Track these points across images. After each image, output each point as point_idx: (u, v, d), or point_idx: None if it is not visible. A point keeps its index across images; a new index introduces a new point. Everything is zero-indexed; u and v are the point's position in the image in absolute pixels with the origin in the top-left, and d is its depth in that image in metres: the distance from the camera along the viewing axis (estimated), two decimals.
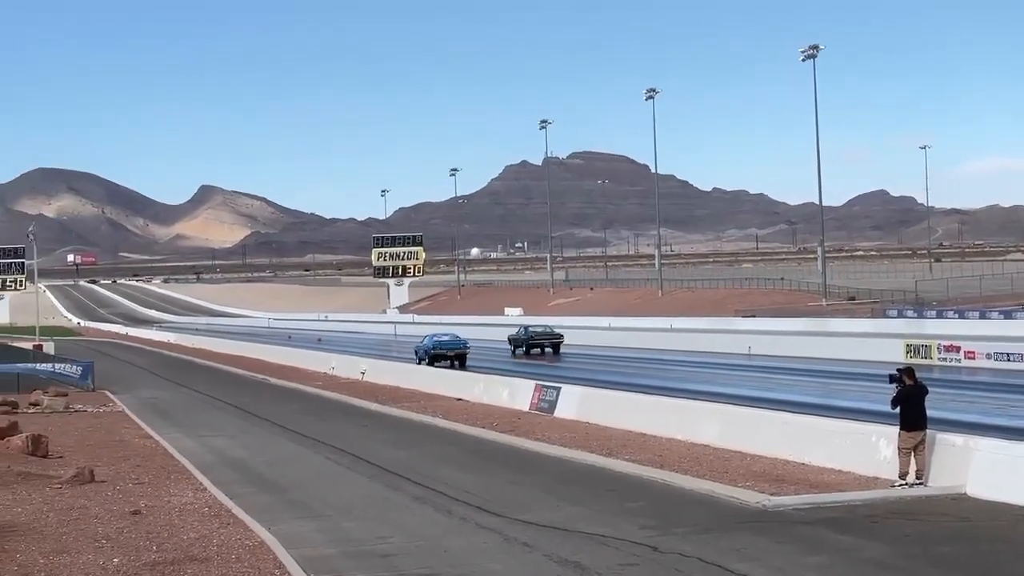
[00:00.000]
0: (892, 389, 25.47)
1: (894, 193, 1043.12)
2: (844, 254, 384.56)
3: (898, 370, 25.90)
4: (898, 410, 25.20)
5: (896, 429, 25.31)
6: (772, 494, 24.41)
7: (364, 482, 29.26)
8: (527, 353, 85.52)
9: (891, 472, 25.34)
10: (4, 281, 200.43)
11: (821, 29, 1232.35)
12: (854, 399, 45.10)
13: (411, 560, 19.84)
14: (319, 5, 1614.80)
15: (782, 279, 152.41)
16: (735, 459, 29.57)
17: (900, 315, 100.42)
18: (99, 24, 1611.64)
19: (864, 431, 28.02)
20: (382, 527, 22.74)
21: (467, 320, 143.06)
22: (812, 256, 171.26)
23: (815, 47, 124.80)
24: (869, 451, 26.81)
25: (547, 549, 20.19)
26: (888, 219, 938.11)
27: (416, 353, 77.77)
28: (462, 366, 71.98)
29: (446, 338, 78.24)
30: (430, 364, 71.86)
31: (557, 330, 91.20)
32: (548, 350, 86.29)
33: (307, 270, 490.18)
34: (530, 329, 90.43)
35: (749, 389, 51.24)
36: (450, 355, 74.21)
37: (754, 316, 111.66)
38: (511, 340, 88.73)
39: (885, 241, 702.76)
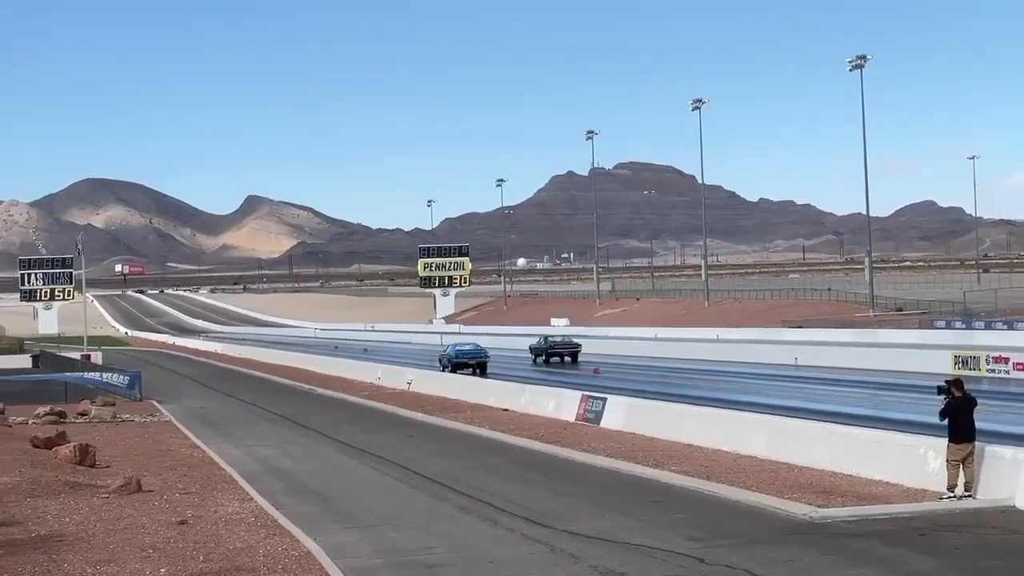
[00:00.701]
0: (940, 401, 25.30)
1: (942, 204, 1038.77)
2: (892, 265, 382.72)
3: (946, 381, 25.73)
4: (946, 422, 25.03)
5: (944, 441, 25.13)
6: (819, 506, 24.27)
7: (410, 492, 29.25)
8: (547, 362, 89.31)
9: (939, 484, 25.17)
10: (53, 291, 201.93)
11: (869, 38, 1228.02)
12: (902, 411, 44.85)
13: (456, 571, 19.82)
14: (368, 16, 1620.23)
15: (829, 290, 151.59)
16: (782, 471, 29.42)
17: (948, 326, 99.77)
18: (147, 35, 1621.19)
19: (912, 443, 27.84)
20: (428, 537, 22.73)
21: (512, 331, 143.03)
22: (859, 267, 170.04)
23: (863, 57, 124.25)
24: (917, 463, 26.63)
25: (593, 560, 20.13)
26: (936, 230, 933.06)
27: (440, 361, 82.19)
28: (483, 373, 75.70)
29: (468, 347, 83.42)
30: (453, 371, 75.82)
31: (575, 339, 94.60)
32: (567, 359, 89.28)
33: (360, 280, 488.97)
34: (550, 339, 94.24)
35: (796, 400, 51.03)
36: (471, 363, 78.49)
37: (801, 327, 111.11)
38: (532, 349, 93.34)
39: (933, 252, 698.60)
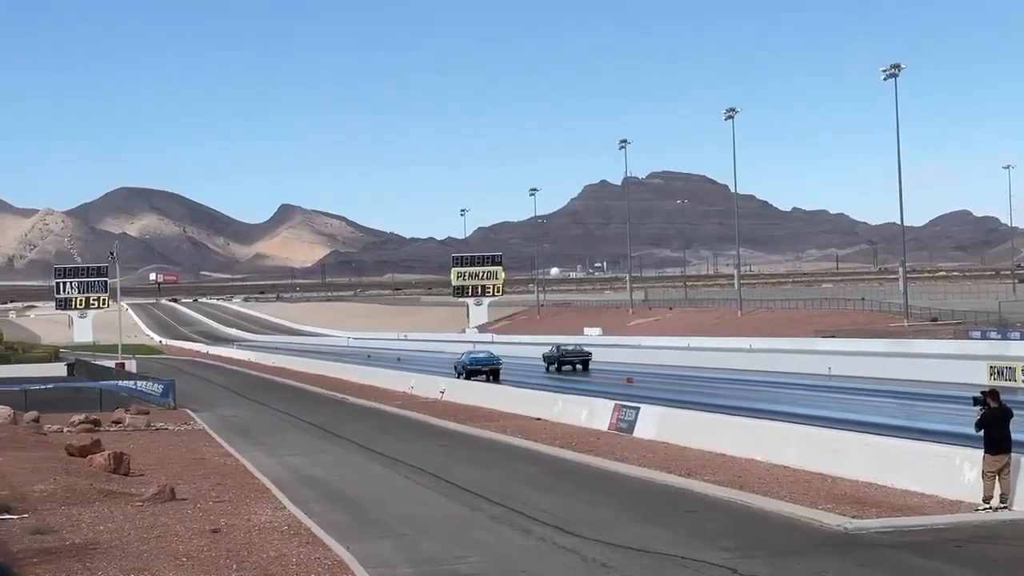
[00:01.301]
0: (976, 412, 25.19)
1: (977, 213, 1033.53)
2: (926, 275, 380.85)
3: (982, 392, 25.61)
4: (982, 433, 24.91)
5: (980, 452, 25.01)
6: (854, 517, 24.18)
7: (442, 501, 29.26)
8: (559, 369, 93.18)
9: (975, 495, 25.04)
10: (88, 299, 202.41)
11: (902, 46, 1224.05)
12: (937, 421, 44.69)
13: None
14: (401, 25, 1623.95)
15: (862, 299, 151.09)
16: (816, 481, 29.31)
17: (983, 336, 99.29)
18: (181, 44, 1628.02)
19: (947, 454, 27.73)
20: (460, 547, 22.72)
21: (545, 340, 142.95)
22: (893, 276, 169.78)
23: (897, 66, 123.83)
24: (952, 474, 26.50)
25: (625, 570, 20.11)
26: (971, 239, 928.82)
27: (455, 368, 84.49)
28: (495, 379, 78.91)
29: (481, 355, 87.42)
30: (467, 378, 78.48)
31: (586, 348, 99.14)
32: (579, 367, 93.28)
33: (397, 289, 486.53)
34: (562, 347, 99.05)
35: (829, 410, 50.85)
36: (484, 370, 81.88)
37: (834, 336, 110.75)
38: (545, 358, 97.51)
39: (968, 262, 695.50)
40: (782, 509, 25.68)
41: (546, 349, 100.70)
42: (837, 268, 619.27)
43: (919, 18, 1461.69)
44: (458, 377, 79.37)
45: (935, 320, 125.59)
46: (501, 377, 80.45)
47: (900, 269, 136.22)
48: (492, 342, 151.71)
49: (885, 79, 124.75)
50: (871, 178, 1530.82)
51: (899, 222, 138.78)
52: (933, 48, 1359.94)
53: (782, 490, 28.06)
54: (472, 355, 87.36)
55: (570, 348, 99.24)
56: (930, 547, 21.47)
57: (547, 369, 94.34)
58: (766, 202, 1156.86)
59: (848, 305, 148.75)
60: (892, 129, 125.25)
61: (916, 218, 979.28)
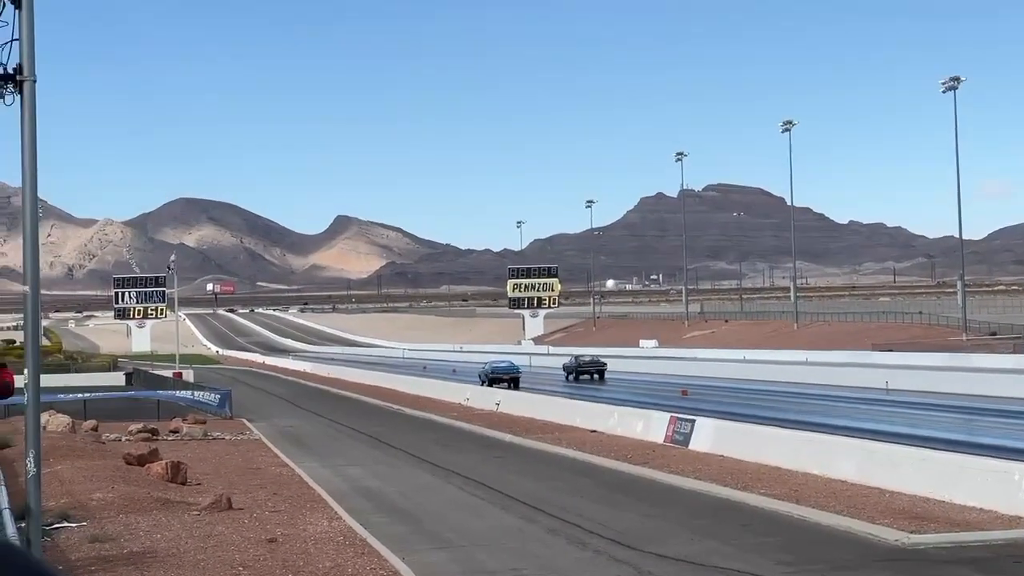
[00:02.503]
0: None
1: None
2: (985, 288, 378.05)
3: None
4: None
5: None
6: (911, 532, 24.02)
7: (498, 513, 29.27)
8: (576, 379, 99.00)
9: None
10: (146, 309, 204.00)
11: (960, 57, 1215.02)
12: (996, 436, 44.32)
13: None
14: (455, 37, 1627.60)
15: (920, 313, 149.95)
16: (873, 495, 29.12)
17: None
18: (238, 55, 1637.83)
19: (1007, 469, 27.50)
20: (516, 559, 22.72)
21: (599, 352, 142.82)
22: (951, 290, 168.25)
23: (956, 79, 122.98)
24: (1012, 489, 26.29)
25: None
26: None
27: (479, 376, 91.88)
28: (515, 387, 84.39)
29: (503, 364, 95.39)
30: (489, 385, 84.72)
31: (602, 359, 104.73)
32: (595, 376, 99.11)
33: (465, 300, 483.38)
34: (579, 358, 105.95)
35: (886, 424, 50.51)
36: (505, 378, 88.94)
37: (891, 350, 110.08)
38: (565, 368, 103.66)
39: None
40: (839, 523, 25.55)
41: (566, 360, 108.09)
42: (894, 281, 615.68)
43: (979, 30, 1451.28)
44: (482, 384, 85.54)
45: (994, 334, 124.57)
46: (523, 385, 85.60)
47: (958, 283, 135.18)
48: (548, 354, 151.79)
49: (944, 92, 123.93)
50: (929, 191, 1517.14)
51: (958, 235, 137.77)
52: (993, 60, 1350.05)
53: (839, 504, 27.90)
54: (494, 364, 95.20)
55: (587, 359, 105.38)
56: (989, 563, 21.31)
57: (567, 378, 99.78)
58: (823, 215, 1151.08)
59: (906, 319, 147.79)
60: (951, 142, 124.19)
61: (975, 231, 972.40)
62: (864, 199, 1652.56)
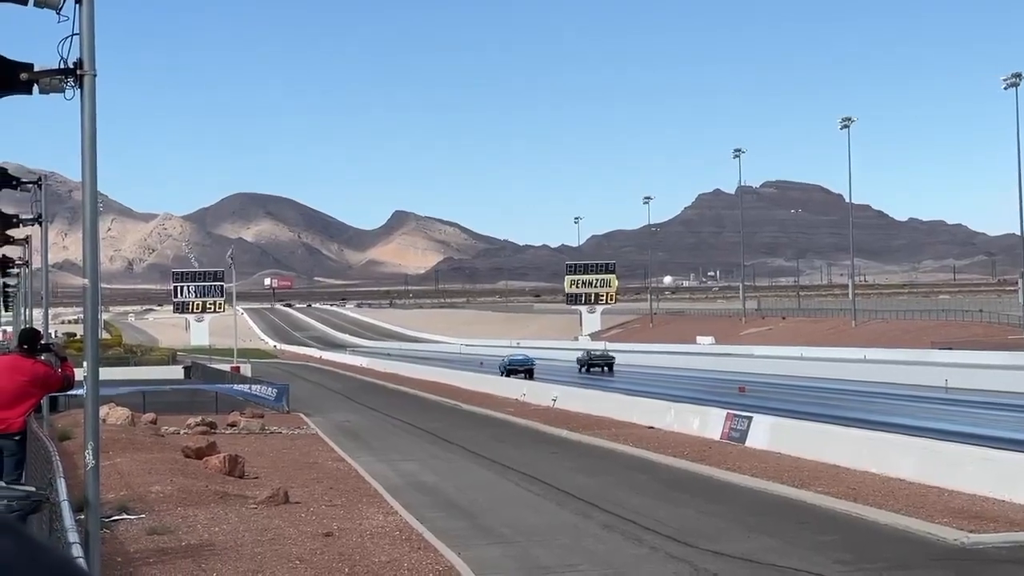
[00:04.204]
0: None
1: None
2: None
3: None
4: None
5: None
6: (971, 531, 23.81)
7: (554, 509, 29.24)
8: (588, 371, 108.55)
9: None
10: (204, 304, 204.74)
11: (1022, 52, 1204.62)
12: None
13: None
14: (515, 32, 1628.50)
15: (980, 311, 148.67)
16: (932, 494, 28.90)
17: None
18: (295, 50, 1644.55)
19: None
20: (571, 555, 22.70)
21: (656, 348, 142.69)
22: (1012, 288, 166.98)
23: (1018, 75, 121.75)
24: None
25: None
26: None
27: (499, 368, 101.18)
28: (530, 377, 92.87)
29: (519, 357, 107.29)
30: (507, 376, 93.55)
31: (611, 353, 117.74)
32: (605, 369, 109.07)
33: (537, 295, 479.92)
34: (591, 352, 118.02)
35: (946, 423, 50.16)
36: (521, 369, 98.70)
37: (951, 348, 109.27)
38: (578, 361, 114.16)
39: None
40: (897, 522, 25.38)
41: (579, 353, 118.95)
42: (954, 279, 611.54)
43: None
44: (501, 375, 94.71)
45: None
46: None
47: (1020, 280, 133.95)
48: (605, 350, 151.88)
49: (1006, 88, 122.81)
50: (990, 188, 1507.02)
51: (1019, 232, 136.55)
52: None
53: (897, 503, 27.71)
54: (511, 357, 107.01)
55: (597, 353, 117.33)
56: None
57: (579, 371, 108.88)
58: (882, 212, 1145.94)
59: (965, 317, 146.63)
60: (1013, 138, 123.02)
61: None
62: (924, 196, 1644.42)
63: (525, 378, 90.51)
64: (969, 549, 22.61)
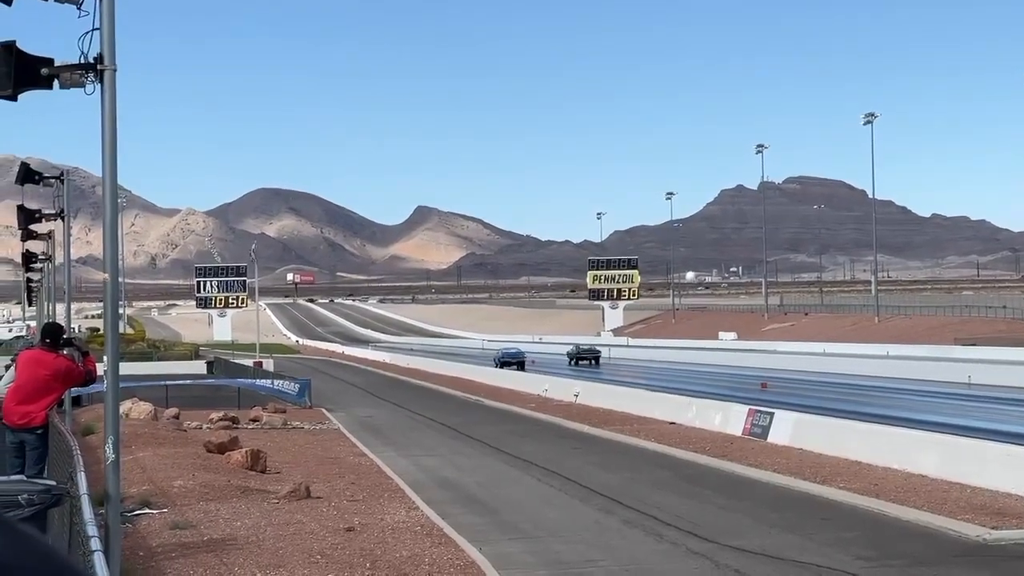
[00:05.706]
0: None
1: None
2: None
3: None
4: None
5: None
6: (993, 528, 23.74)
7: (575, 504, 29.23)
8: (576, 364, 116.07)
9: None
10: (227, 299, 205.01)
11: None
12: None
13: None
14: (536, 25, 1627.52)
15: (1004, 307, 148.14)
16: (954, 491, 28.81)
17: None
18: (317, 46, 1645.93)
19: None
20: (592, 550, 22.69)
21: (678, 344, 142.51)
22: None
23: None
24: None
25: None
26: None
27: (494, 360, 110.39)
28: (521, 368, 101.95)
29: (512, 350, 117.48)
30: (501, 367, 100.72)
31: (598, 347, 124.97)
32: (592, 362, 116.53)
33: (572, 291, 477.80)
34: (580, 347, 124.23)
35: (968, 419, 50.02)
36: (513, 362, 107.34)
37: (974, 344, 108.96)
38: (568, 354, 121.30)
39: None
40: (919, 518, 25.30)
41: (569, 348, 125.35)
42: (978, 275, 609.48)
43: None
44: (496, 366, 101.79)
45: None
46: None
47: None
48: (627, 345, 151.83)
49: None
50: (1015, 184, 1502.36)
51: None
52: None
53: (919, 499, 27.63)
54: (505, 350, 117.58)
55: (585, 347, 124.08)
56: None
57: (569, 363, 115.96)
58: (905, 207, 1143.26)
59: (989, 313, 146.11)
60: None
61: None
62: (948, 192, 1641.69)
63: (516, 369, 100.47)
64: (991, 545, 22.54)
